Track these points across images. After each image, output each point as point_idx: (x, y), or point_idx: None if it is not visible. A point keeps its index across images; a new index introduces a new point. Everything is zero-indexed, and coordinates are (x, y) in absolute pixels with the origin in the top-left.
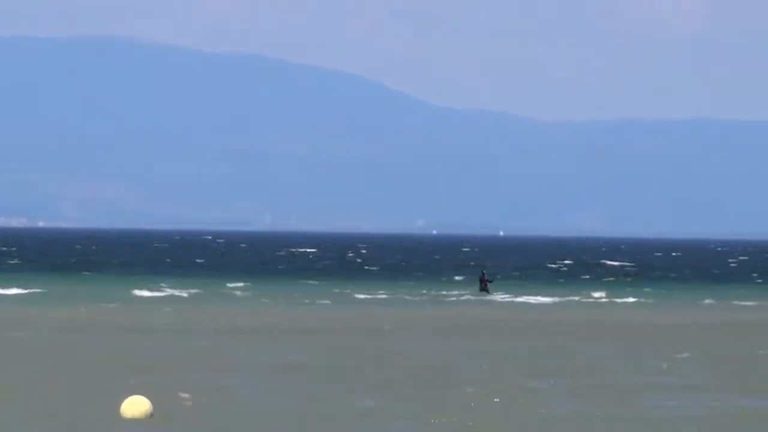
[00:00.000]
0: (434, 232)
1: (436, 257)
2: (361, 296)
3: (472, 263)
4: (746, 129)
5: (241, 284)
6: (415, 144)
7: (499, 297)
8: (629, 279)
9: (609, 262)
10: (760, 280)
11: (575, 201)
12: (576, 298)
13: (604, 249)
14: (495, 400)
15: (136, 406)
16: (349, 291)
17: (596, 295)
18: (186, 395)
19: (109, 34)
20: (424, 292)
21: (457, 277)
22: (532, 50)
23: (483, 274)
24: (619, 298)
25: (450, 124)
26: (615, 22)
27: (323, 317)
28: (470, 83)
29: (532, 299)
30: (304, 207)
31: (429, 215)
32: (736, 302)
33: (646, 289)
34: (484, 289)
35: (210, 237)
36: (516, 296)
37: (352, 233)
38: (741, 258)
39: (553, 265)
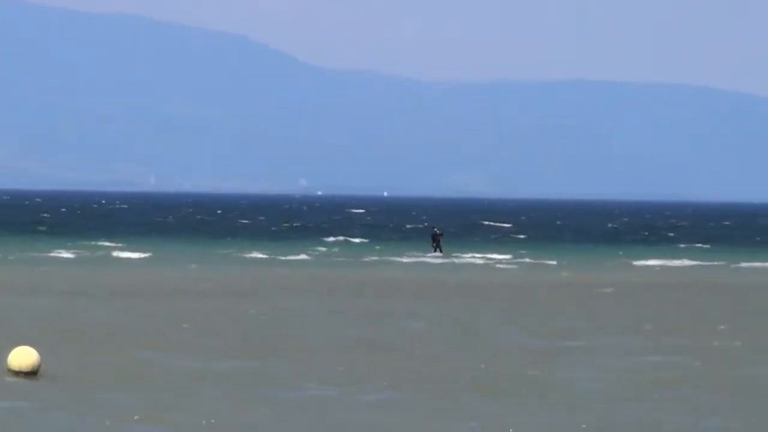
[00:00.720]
0: (319, 192)
1: (321, 218)
2: (260, 255)
3: (361, 223)
4: (626, 89)
5: (129, 245)
6: (299, 105)
7: (456, 259)
8: (520, 239)
9: (500, 224)
10: (653, 239)
11: (460, 161)
12: (471, 260)
13: (489, 209)
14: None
15: (22, 356)
16: (235, 251)
17: (498, 257)
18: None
19: None
20: (311, 250)
21: (355, 240)
22: (417, 11)
23: (435, 230)
24: (519, 258)
25: (335, 84)
26: None
27: (207, 278)
28: (356, 44)
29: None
30: (187, 168)
31: (312, 176)
32: (637, 262)
33: (540, 251)
34: (437, 247)
35: (101, 200)
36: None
37: (236, 194)
38: (623, 219)
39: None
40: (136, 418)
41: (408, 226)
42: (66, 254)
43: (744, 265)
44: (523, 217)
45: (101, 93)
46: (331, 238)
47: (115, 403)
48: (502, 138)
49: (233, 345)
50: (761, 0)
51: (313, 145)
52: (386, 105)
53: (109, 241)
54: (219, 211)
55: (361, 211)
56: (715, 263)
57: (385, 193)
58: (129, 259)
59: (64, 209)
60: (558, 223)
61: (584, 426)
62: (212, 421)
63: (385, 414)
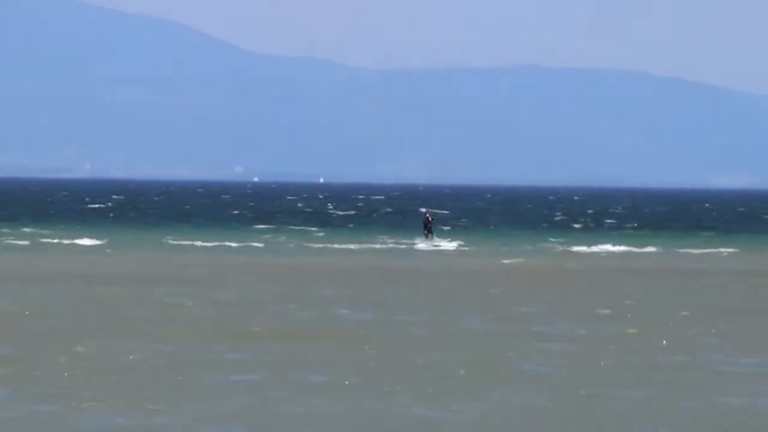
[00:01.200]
0: (255, 179)
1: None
2: (207, 244)
3: (301, 210)
4: (571, 76)
5: (80, 232)
6: (236, 91)
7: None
8: (462, 226)
9: (441, 211)
10: (578, 225)
11: (397, 148)
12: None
13: (427, 196)
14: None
15: None
16: (182, 239)
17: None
18: None
19: None
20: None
21: (259, 225)
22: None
23: (426, 216)
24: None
25: (273, 70)
26: None
27: (163, 265)
28: (295, 30)
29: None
30: (123, 155)
31: (248, 162)
32: (577, 248)
33: (484, 238)
34: (429, 232)
35: (35, 187)
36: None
37: (172, 180)
38: (560, 206)
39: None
40: (86, 405)
41: (340, 213)
42: (18, 241)
43: (682, 251)
44: (461, 204)
45: (36, 78)
46: (271, 226)
47: (60, 386)
48: (438, 124)
49: (182, 330)
50: None
51: (250, 131)
52: (323, 91)
53: (54, 229)
54: (155, 198)
55: (295, 197)
56: (653, 249)
57: (321, 180)
58: (85, 246)
59: None
60: (497, 209)
61: (554, 412)
62: (150, 406)
63: (329, 399)
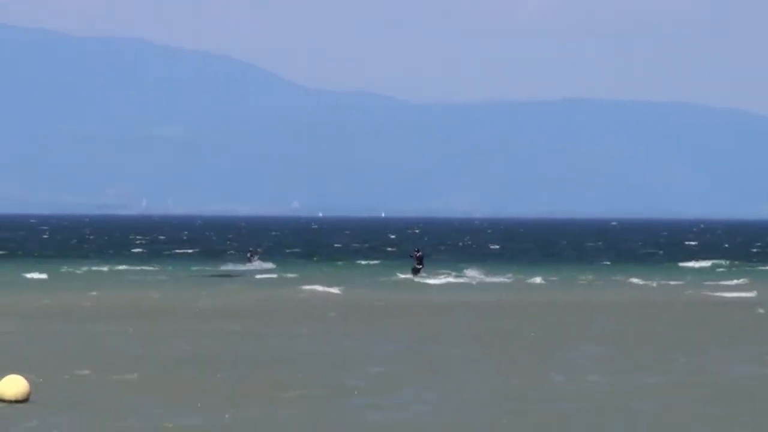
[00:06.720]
0: (320, 214)
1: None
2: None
3: (297, 249)
4: (614, 107)
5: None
6: (290, 126)
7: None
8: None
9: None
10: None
11: (450, 183)
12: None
13: (489, 231)
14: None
15: (11, 385)
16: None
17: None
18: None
19: None
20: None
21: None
22: (401, 32)
23: (414, 252)
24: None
25: (327, 104)
26: (484, 11)
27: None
28: (348, 65)
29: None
30: (179, 190)
31: (303, 197)
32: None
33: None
34: (417, 270)
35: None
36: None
37: (229, 216)
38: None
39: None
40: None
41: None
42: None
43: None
44: (523, 229)
45: (89, 116)
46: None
47: None
48: (492, 158)
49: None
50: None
51: (306, 166)
52: (378, 126)
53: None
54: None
55: (316, 227)
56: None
57: (383, 214)
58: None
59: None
60: (564, 243)
61: None
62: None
63: None
